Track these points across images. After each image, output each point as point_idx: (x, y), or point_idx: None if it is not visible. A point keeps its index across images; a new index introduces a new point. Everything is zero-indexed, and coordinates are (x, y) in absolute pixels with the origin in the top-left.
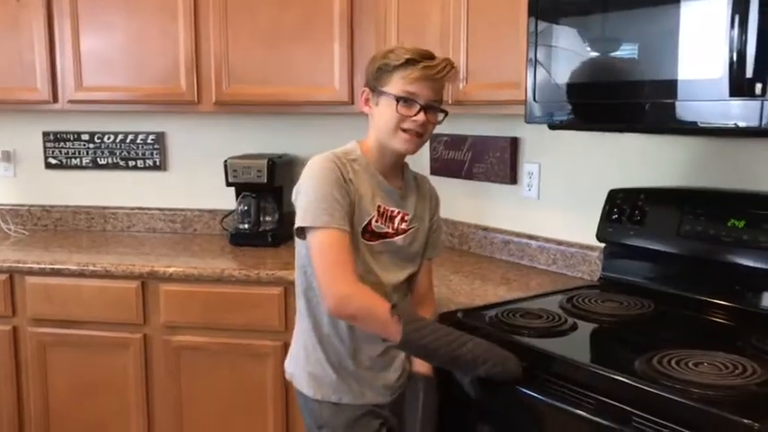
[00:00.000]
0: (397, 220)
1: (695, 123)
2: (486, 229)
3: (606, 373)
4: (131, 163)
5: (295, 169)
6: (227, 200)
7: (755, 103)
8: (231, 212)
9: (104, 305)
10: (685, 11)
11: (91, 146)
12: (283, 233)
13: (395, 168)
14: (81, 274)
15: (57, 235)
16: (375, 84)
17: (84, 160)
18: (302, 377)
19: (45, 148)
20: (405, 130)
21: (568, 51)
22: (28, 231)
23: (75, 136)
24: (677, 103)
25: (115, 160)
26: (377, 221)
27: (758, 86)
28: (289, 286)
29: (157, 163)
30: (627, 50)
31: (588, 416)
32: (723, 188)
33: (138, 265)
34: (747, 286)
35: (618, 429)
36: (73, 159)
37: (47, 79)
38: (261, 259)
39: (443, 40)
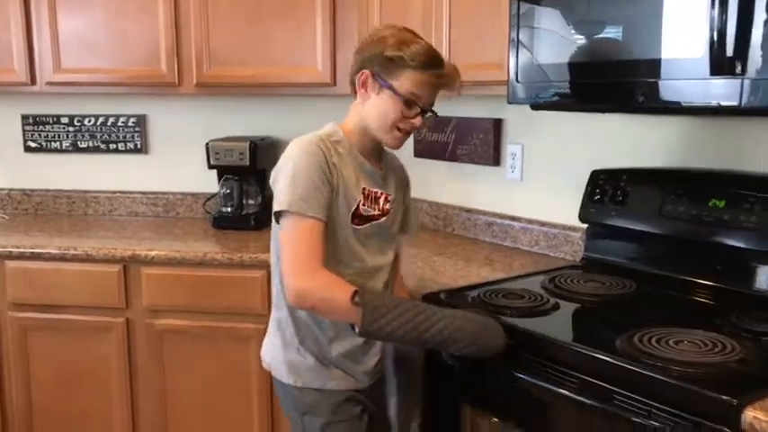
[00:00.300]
0: (381, 201)
1: (678, 103)
2: (469, 210)
3: (587, 352)
4: (112, 146)
5: (278, 152)
6: (209, 183)
7: (736, 82)
8: (214, 196)
9: (86, 289)
10: None
11: (71, 129)
12: (266, 216)
13: (374, 150)
14: (62, 258)
15: (37, 219)
16: (381, 72)
17: (65, 143)
18: (281, 366)
19: (24, 131)
20: (399, 129)
21: (551, 32)
22: (8, 216)
23: (55, 119)
24: (660, 83)
25: (96, 143)
26: (364, 205)
27: (738, 65)
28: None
29: (139, 146)
30: (610, 31)
31: (570, 394)
32: (704, 168)
33: (120, 248)
34: (728, 265)
35: (599, 407)
36: (53, 143)
37: (24, 60)
38: (244, 242)
39: (426, 20)
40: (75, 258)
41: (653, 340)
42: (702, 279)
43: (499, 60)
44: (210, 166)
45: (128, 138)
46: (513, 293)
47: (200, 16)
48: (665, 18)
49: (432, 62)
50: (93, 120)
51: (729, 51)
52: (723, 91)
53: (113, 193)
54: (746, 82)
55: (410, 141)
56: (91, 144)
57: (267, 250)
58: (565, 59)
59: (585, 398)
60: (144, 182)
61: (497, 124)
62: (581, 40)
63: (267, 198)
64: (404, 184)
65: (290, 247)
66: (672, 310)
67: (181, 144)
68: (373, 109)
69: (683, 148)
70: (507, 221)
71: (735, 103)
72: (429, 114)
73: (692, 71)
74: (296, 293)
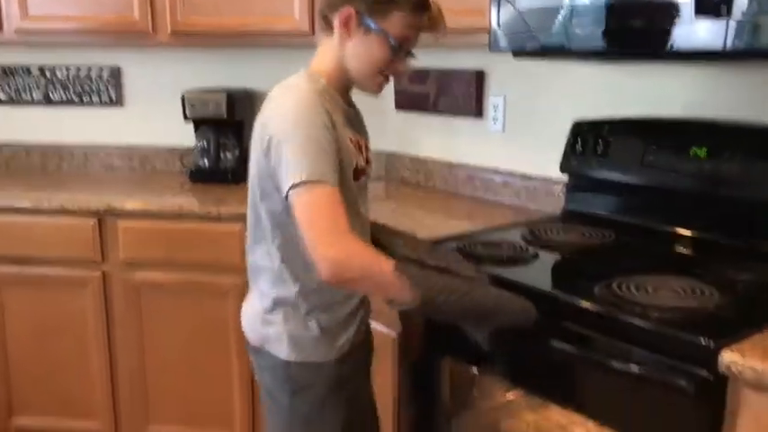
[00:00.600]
0: (364, 150)
1: (662, 47)
2: (450, 164)
3: (566, 299)
4: (86, 98)
5: (255, 104)
6: (186, 137)
7: (720, 25)
8: (191, 149)
9: (61, 243)
10: None
11: (42, 80)
12: (244, 170)
13: (346, 94)
14: (36, 211)
15: (9, 173)
16: (368, 12)
17: (36, 96)
18: (280, 341)
19: None
20: (384, 75)
21: None
22: None
23: (25, 70)
24: (644, 27)
25: (69, 96)
26: (358, 158)
27: (723, 7)
28: None
29: (113, 98)
30: None
31: (549, 342)
32: (687, 117)
33: (95, 201)
34: (708, 215)
35: (579, 354)
36: (23, 95)
37: None
38: (221, 196)
39: None
40: (49, 211)
41: (631, 287)
42: (682, 229)
43: (480, 6)
44: (187, 118)
45: (102, 90)
46: (492, 244)
47: None
48: None
49: (421, 3)
50: (65, 71)
51: None
52: (708, 35)
53: (88, 147)
54: (732, 23)
55: (390, 93)
56: (63, 96)
57: (245, 203)
58: (546, 5)
59: (565, 345)
60: (119, 135)
61: (479, 75)
62: None
63: (244, 151)
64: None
65: (316, 220)
66: (651, 260)
67: (157, 97)
68: (357, 52)
69: (667, 98)
70: (489, 175)
71: (719, 47)
72: (411, 58)
73: (677, 14)
74: (335, 266)
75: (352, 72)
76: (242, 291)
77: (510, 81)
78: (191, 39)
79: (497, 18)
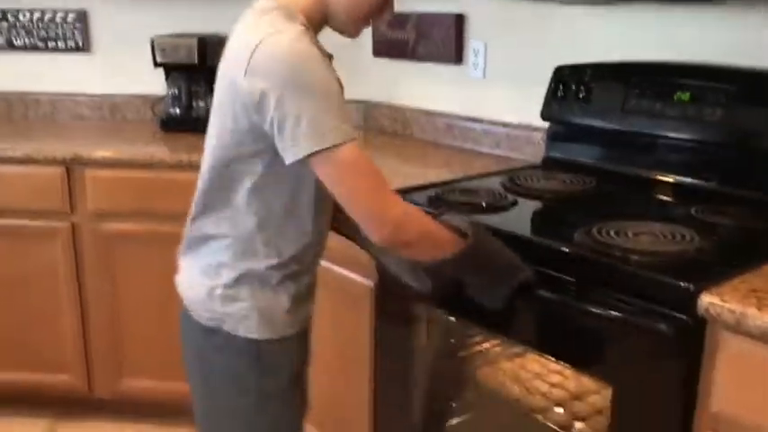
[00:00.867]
0: None
1: None
2: (429, 112)
3: (545, 244)
4: (51, 44)
5: None
6: (158, 86)
7: None
8: (162, 98)
9: (28, 193)
10: None
11: (4, 24)
12: None
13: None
14: (0, 160)
15: None
16: None
17: None
18: (246, 318)
19: None
20: (370, 23)
21: None
22: None
23: None
24: None
25: (33, 41)
26: None
27: None
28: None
29: (80, 44)
30: None
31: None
32: (670, 61)
33: (62, 149)
34: (690, 161)
35: (558, 300)
36: None
37: None
38: (193, 144)
39: None
40: (14, 160)
41: (611, 232)
42: (664, 175)
43: None
44: (157, 65)
45: (68, 35)
46: (470, 191)
47: None
48: None
49: None
50: (28, 14)
51: None
52: None
53: (55, 94)
54: None
55: (368, 40)
56: (27, 42)
57: None
58: None
59: (544, 291)
60: (87, 83)
61: (460, 19)
62: None
63: None
64: None
65: (362, 181)
66: (632, 206)
67: (126, 43)
68: None
69: (648, 41)
70: (469, 124)
71: None
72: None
73: None
74: (396, 227)
75: (340, 17)
76: None
77: (491, 26)
78: None
79: None
